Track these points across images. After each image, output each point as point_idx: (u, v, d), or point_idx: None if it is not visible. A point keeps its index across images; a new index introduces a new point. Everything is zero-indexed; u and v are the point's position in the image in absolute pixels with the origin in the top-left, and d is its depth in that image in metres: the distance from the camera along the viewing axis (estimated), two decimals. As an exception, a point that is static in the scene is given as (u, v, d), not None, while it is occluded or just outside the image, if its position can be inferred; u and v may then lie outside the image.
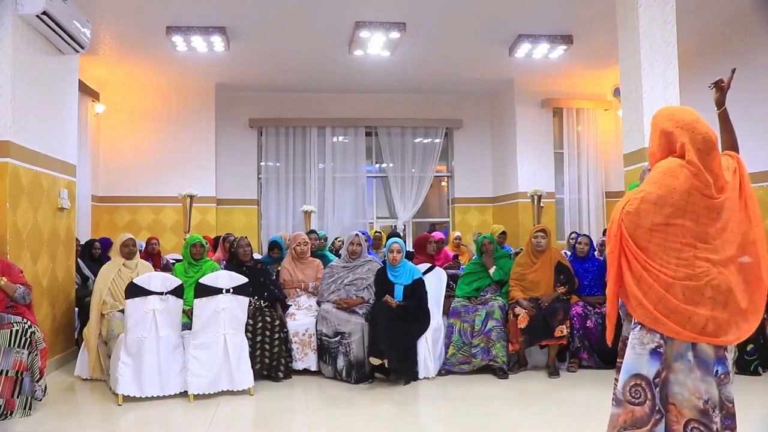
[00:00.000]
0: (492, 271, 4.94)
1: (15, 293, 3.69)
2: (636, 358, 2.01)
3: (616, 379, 2.18)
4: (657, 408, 1.97)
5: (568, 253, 5.42)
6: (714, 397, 1.93)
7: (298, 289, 5.05)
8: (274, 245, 5.65)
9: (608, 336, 2.21)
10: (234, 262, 4.84)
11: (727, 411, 1.98)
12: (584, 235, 5.33)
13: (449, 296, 5.05)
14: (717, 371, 1.95)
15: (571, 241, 6.15)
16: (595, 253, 5.42)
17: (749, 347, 4.45)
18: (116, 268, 4.62)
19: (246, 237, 5.04)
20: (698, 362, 1.95)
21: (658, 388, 1.98)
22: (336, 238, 7.23)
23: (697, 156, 1.96)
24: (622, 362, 2.28)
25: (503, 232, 6.44)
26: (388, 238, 5.86)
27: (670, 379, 1.98)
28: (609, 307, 2.15)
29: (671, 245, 1.97)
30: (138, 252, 4.84)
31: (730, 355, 1.99)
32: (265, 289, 4.72)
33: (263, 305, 4.59)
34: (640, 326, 2.02)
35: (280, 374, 4.43)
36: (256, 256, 5.79)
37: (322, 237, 6.32)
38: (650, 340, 1.99)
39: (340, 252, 6.29)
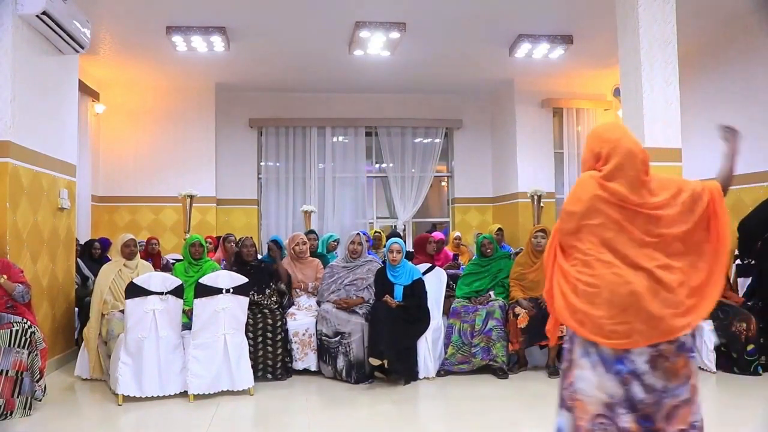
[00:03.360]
0: None
1: (14, 291, 3.71)
2: None
3: None
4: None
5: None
6: (618, 395, 1.95)
7: (297, 290, 5.05)
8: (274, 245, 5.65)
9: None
10: (238, 262, 4.84)
11: (642, 412, 1.95)
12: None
13: (449, 296, 5.05)
14: (620, 371, 1.96)
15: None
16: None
17: (749, 347, 4.45)
18: (117, 268, 4.63)
19: (251, 237, 5.05)
20: (601, 360, 2.00)
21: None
22: (332, 239, 6.37)
23: (613, 167, 2.02)
24: None
25: (499, 229, 6.49)
26: (388, 238, 5.86)
27: (576, 375, 2.04)
28: None
29: (579, 249, 2.07)
30: (138, 252, 4.84)
31: (638, 357, 1.95)
32: (269, 289, 4.72)
33: (266, 304, 4.58)
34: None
35: (279, 373, 4.45)
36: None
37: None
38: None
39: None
